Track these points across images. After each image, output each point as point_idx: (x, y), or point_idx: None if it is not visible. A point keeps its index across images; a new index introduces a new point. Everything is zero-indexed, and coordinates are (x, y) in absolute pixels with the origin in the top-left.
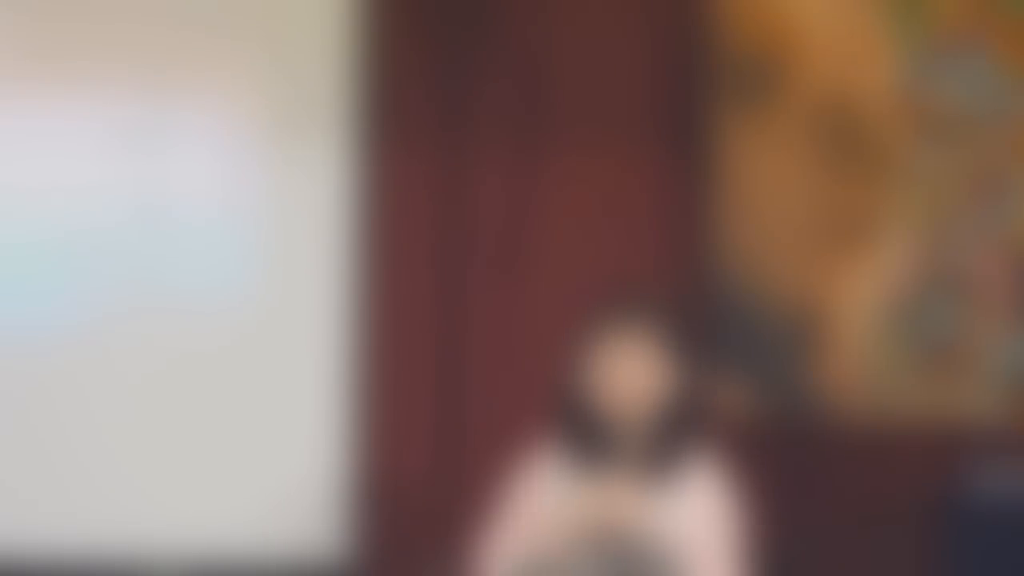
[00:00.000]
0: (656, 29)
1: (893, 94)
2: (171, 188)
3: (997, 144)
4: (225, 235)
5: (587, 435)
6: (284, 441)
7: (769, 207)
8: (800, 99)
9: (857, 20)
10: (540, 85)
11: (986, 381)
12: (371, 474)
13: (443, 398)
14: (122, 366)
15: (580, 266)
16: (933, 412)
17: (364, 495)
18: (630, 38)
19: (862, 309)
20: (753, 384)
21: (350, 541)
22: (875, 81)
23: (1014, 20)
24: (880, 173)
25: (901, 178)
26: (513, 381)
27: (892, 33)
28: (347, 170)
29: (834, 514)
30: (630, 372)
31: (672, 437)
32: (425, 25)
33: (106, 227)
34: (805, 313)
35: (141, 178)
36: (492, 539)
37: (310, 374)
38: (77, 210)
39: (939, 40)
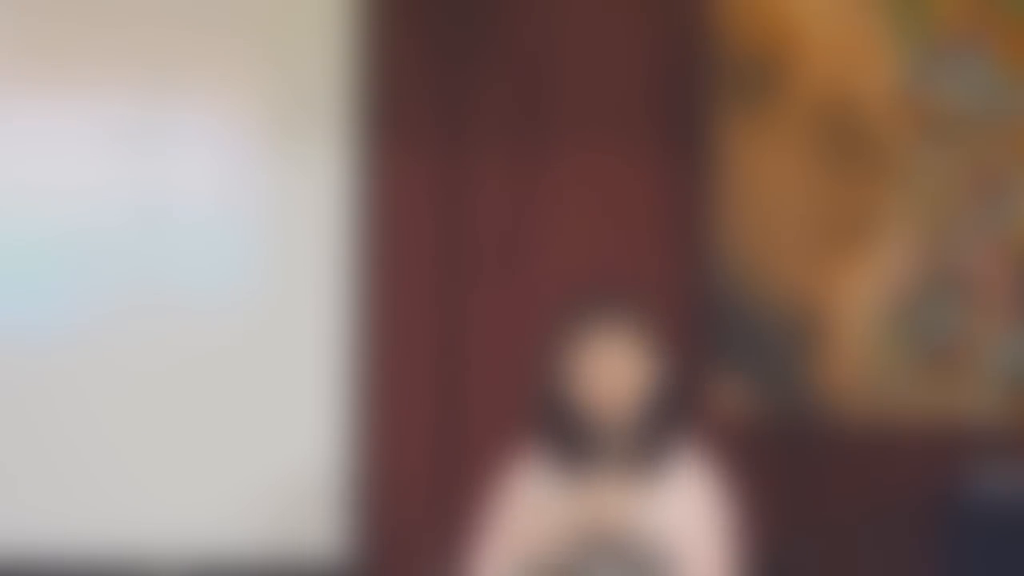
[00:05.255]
0: (656, 29)
1: (893, 94)
2: (171, 188)
3: (997, 144)
4: (225, 235)
5: (572, 434)
6: (284, 441)
7: (769, 207)
8: (800, 99)
9: (857, 20)
10: (540, 85)
11: (986, 381)
12: (371, 474)
13: (443, 398)
14: (122, 366)
15: (580, 266)
16: (933, 412)
17: (364, 495)
18: (630, 38)
19: (862, 309)
20: (753, 384)
21: (350, 541)
22: (875, 81)
23: (1014, 20)
24: (880, 173)
25: (901, 178)
26: (513, 381)
27: (892, 33)
28: (347, 170)
29: (834, 514)
30: (613, 370)
31: (658, 435)
32: (425, 25)
33: (106, 227)
34: (805, 313)
35: (141, 178)
36: (487, 540)
37: (310, 374)
38: (78, 210)
39: (939, 40)
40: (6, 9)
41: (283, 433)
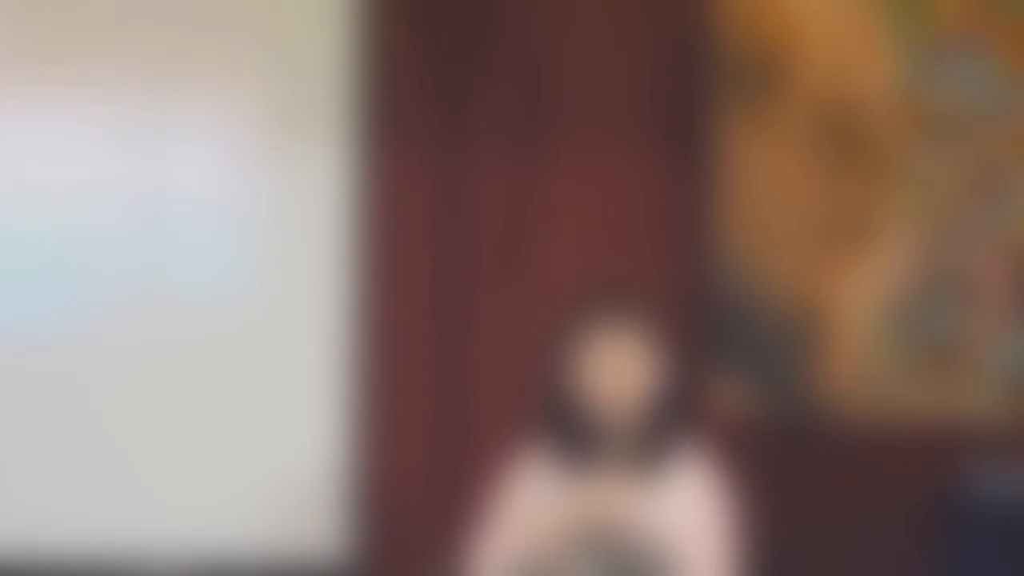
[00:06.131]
0: (656, 29)
1: (893, 94)
2: (171, 188)
3: (997, 144)
4: (225, 234)
5: (576, 433)
6: (284, 441)
7: (769, 207)
8: (800, 99)
9: (857, 20)
10: (540, 85)
11: (986, 381)
12: (370, 473)
13: (443, 397)
14: (122, 364)
15: (580, 266)
16: (933, 412)
17: (363, 494)
18: (630, 38)
19: (862, 309)
20: (753, 384)
21: (349, 540)
22: (875, 81)
23: (1014, 20)
24: (880, 173)
25: (901, 178)
26: (513, 380)
27: (892, 33)
28: (347, 170)
29: (834, 514)
30: (616, 369)
31: (661, 434)
32: (425, 25)
33: (107, 227)
34: (805, 313)
35: (142, 178)
36: (488, 539)
37: (310, 373)
38: (78, 210)
39: (939, 40)
40: (6, 10)
41: (283, 433)
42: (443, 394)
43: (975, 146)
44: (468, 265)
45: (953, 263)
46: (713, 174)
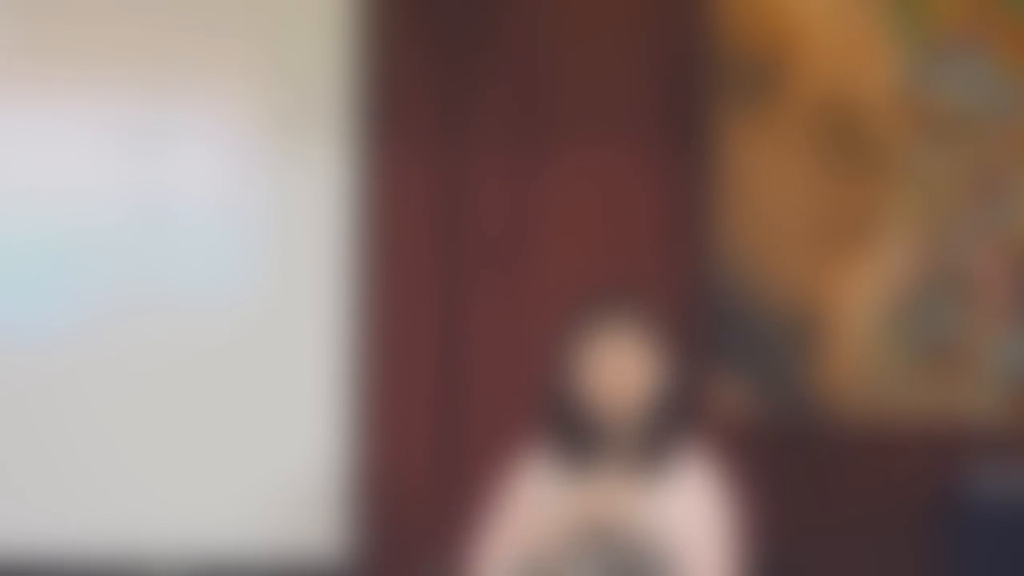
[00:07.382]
0: (656, 29)
1: (893, 94)
2: (171, 188)
3: (997, 144)
4: (225, 235)
5: (578, 433)
6: (284, 441)
7: (769, 207)
8: (800, 99)
9: (857, 20)
10: (540, 85)
11: (986, 381)
12: (370, 473)
13: (443, 397)
14: (122, 365)
15: (580, 266)
16: (933, 412)
17: (363, 494)
18: (630, 38)
19: (862, 309)
20: (753, 384)
21: (349, 540)
22: (875, 81)
23: (1014, 20)
24: (880, 173)
25: (901, 178)
26: (513, 380)
27: (892, 33)
28: (347, 170)
29: (834, 514)
30: (618, 369)
31: (663, 434)
32: (425, 25)
33: (107, 227)
34: (805, 313)
35: (142, 178)
36: (489, 538)
37: (310, 374)
38: (78, 210)
39: (939, 40)
40: (5, 9)
41: (283, 433)
42: (443, 393)
43: (975, 146)
44: (467, 265)
45: (953, 263)
46: (713, 174)
